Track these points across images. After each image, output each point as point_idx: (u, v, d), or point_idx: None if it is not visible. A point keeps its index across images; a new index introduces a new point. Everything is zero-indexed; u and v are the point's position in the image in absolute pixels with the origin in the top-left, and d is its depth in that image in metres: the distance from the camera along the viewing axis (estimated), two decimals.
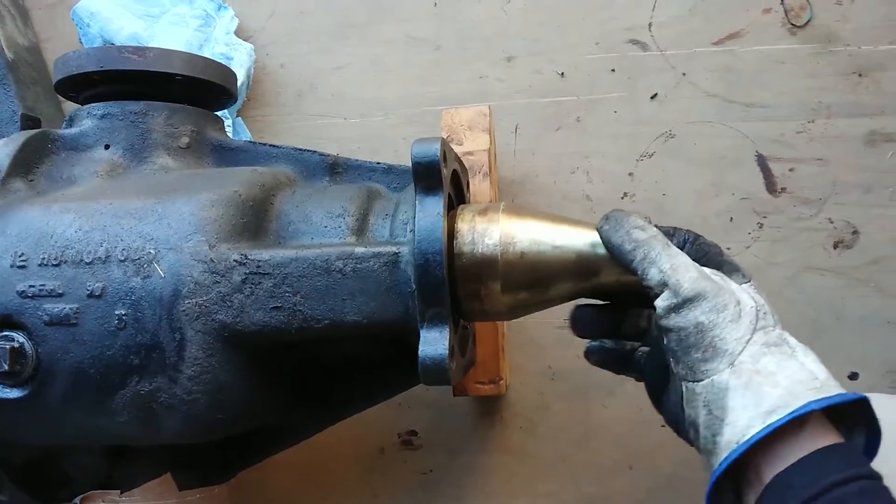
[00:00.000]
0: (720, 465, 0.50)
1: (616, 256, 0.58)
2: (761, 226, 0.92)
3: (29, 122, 0.80)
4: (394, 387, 0.77)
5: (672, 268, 0.54)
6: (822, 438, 0.49)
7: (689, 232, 0.61)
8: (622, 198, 0.95)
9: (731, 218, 0.92)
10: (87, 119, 0.76)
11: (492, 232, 0.62)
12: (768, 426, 0.48)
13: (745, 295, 0.55)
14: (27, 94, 1.04)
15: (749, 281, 0.58)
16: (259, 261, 0.62)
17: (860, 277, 0.89)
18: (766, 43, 0.93)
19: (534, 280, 0.62)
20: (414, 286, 0.59)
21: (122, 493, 0.72)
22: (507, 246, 0.61)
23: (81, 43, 1.05)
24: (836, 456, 0.48)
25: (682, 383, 0.54)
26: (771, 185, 0.92)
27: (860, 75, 0.90)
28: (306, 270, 0.62)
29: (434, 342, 0.59)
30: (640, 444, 0.93)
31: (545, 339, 0.96)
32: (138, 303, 0.60)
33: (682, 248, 0.58)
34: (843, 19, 0.91)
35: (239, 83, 0.97)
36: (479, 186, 0.81)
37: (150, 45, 1.01)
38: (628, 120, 0.96)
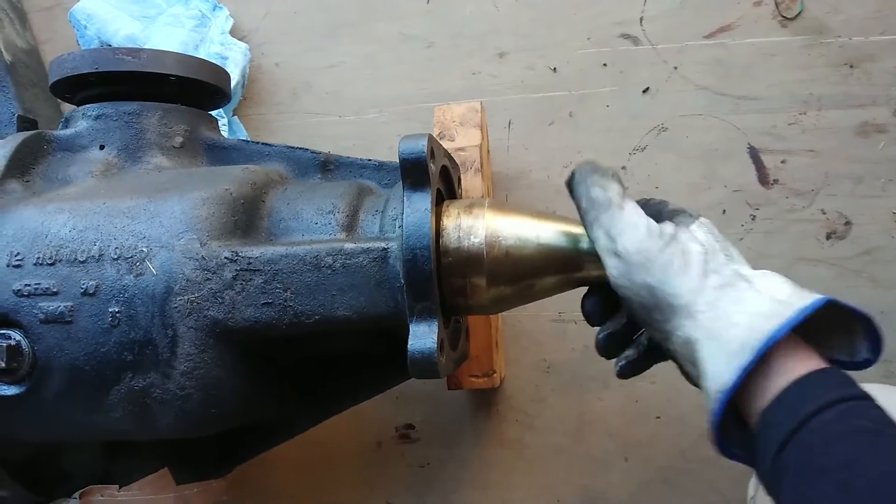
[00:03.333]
0: (711, 418, 0.49)
1: (576, 209, 0.59)
2: (754, 218, 0.92)
3: (25, 123, 0.81)
4: (387, 381, 0.78)
5: (620, 232, 0.54)
6: (802, 364, 0.47)
7: (640, 199, 0.61)
8: None
9: (724, 210, 0.93)
10: (83, 120, 0.77)
11: (477, 229, 0.62)
12: (737, 371, 0.47)
13: (692, 243, 0.53)
14: (26, 96, 1.05)
15: (696, 219, 0.56)
16: (250, 258, 0.63)
17: (853, 268, 0.90)
18: (757, 35, 0.93)
19: (519, 276, 0.62)
20: (403, 281, 0.60)
21: (120, 487, 0.73)
22: (492, 243, 0.62)
23: (79, 44, 1.06)
24: (814, 383, 0.46)
25: (664, 347, 0.54)
26: (763, 177, 0.92)
27: (851, 66, 0.90)
28: (296, 266, 0.62)
29: (423, 336, 0.59)
30: (635, 436, 0.94)
31: (540, 332, 0.96)
32: (131, 300, 0.62)
33: None
34: (834, 11, 0.91)
35: (234, 82, 0.98)
36: (471, 182, 0.82)
37: (146, 46, 1.02)
38: (620, 114, 0.96)
